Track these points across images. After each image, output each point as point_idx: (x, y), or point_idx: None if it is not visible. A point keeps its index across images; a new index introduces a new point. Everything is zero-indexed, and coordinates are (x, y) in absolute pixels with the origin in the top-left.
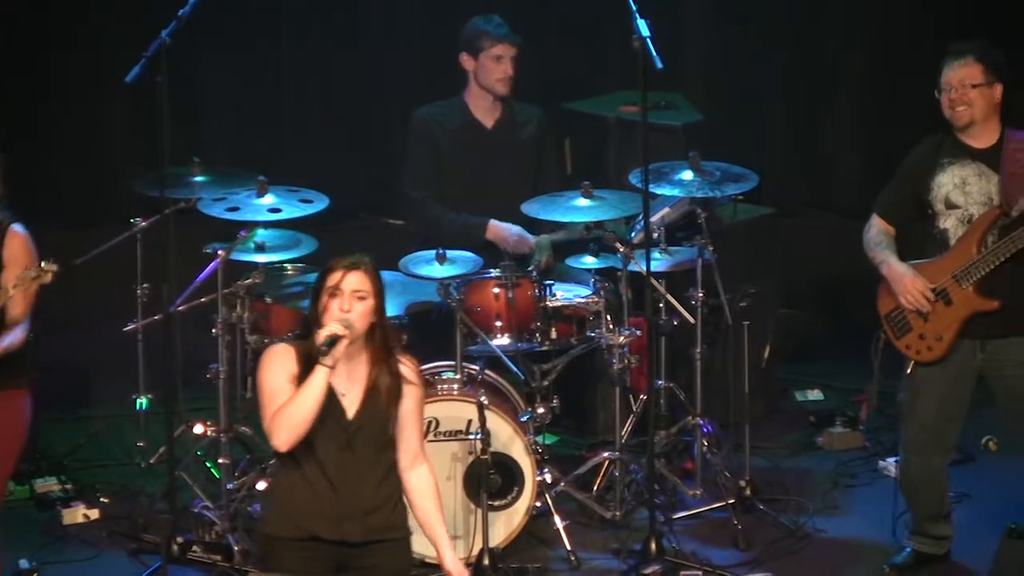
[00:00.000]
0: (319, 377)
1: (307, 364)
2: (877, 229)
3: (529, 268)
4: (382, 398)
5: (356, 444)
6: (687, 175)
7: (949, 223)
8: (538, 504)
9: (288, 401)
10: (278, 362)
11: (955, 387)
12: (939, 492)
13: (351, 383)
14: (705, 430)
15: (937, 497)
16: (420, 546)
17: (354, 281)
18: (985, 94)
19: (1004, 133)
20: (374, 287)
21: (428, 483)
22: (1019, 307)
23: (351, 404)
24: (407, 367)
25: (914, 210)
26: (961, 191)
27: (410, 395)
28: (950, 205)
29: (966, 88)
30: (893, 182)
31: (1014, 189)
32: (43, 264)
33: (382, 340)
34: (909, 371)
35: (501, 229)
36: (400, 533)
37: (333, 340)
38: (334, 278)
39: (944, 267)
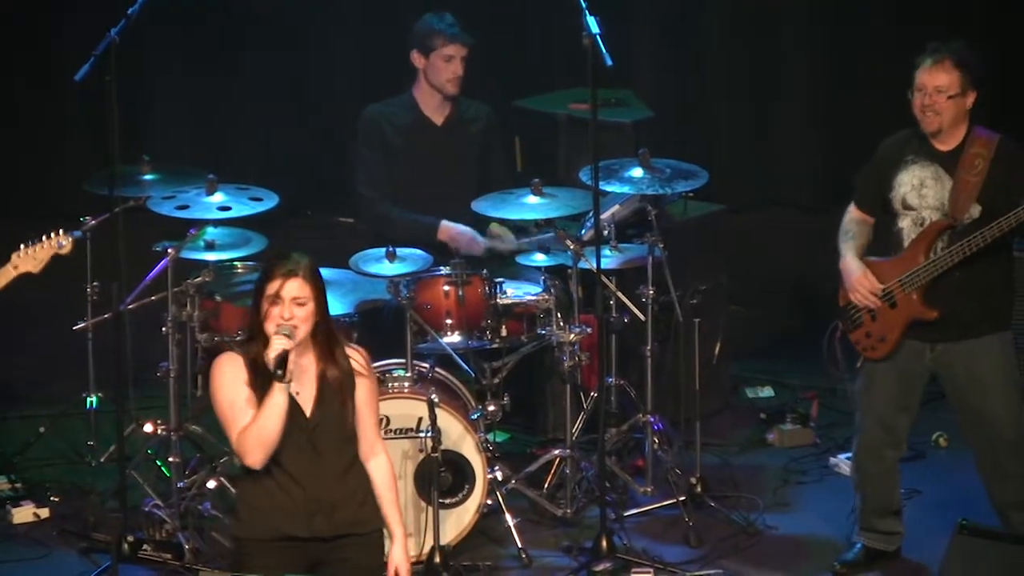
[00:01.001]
0: (279, 396)
1: (256, 368)
2: (850, 218)
3: (481, 264)
4: (335, 392)
5: (317, 440)
6: (637, 172)
7: (905, 224)
8: (489, 502)
9: (252, 422)
10: (229, 373)
11: (907, 381)
12: (889, 486)
13: (302, 381)
14: (656, 427)
15: (887, 491)
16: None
17: (293, 288)
18: (958, 103)
19: (969, 134)
20: (313, 291)
21: (385, 474)
22: (966, 313)
23: (306, 402)
24: (356, 358)
25: (881, 203)
26: (917, 193)
27: (362, 386)
28: (906, 206)
29: (940, 96)
30: (867, 168)
31: (964, 197)
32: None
33: (327, 336)
34: (860, 364)
35: (453, 230)
36: (370, 527)
37: (283, 357)
38: (273, 287)
39: (894, 269)
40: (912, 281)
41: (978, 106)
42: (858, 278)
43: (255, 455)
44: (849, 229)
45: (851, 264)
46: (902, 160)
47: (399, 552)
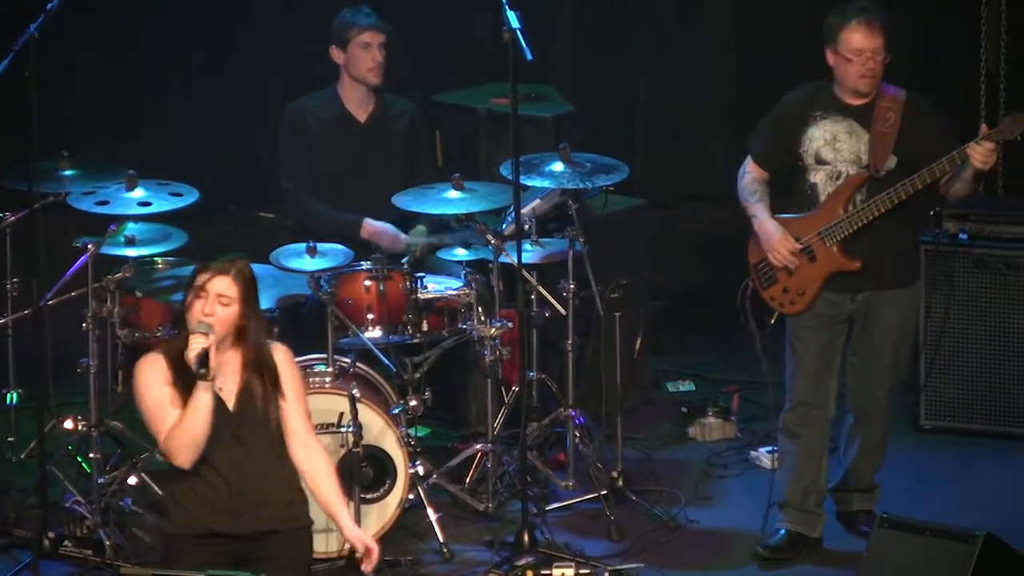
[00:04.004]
0: (203, 395)
1: (179, 364)
2: (751, 176)
3: (405, 258)
4: (259, 387)
5: (243, 435)
6: (558, 167)
7: (819, 178)
8: (410, 497)
9: (178, 423)
10: (152, 374)
11: (831, 335)
12: (816, 456)
13: (225, 374)
14: (577, 421)
15: (814, 461)
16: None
17: (220, 285)
18: (884, 62)
19: (878, 89)
20: (241, 294)
21: (320, 462)
22: (885, 265)
23: (229, 396)
24: (280, 355)
25: (787, 158)
26: (831, 147)
27: (288, 383)
28: (820, 161)
29: (877, 58)
30: (768, 126)
31: (882, 149)
32: None
33: (253, 337)
34: (772, 321)
35: (376, 228)
36: (297, 524)
37: (203, 356)
38: (202, 278)
39: (811, 224)
40: (832, 234)
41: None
42: (778, 239)
43: (183, 456)
44: (755, 189)
45: (768, 225)
46: (810, 115)
47: (353, 526)
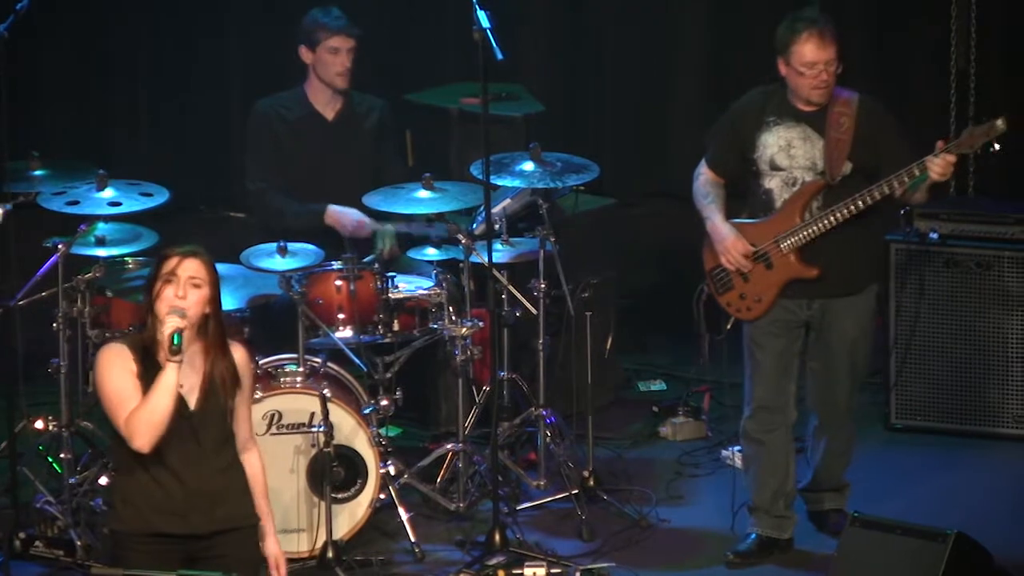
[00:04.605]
0: (170, 374)
1: (144, 358)
2: (705, 179)
3: (371, 257)
4: (220, 387)
5: (200, 435)
6: (528, 166)
7: (774, 184)
8: (382, 496)
9: (142, 403)
10: (117, 363)
11: (789, 341)
12: (782, 460)
13: (187, 374)
14: (548, 421)
15: (780, 465)
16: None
17: (190, 268)
18: (837, 72)
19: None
20: (209, 276)
21: (257, 470)
22: (844, 272)
23: (190, 395)
24: (237, 353)
25: (741, 163)
26: (786, 153)
27: (243, 382)
28: (775, 167)
29: (830, 68)
30: (721, 130)
31: (837, 155)
32: None
33: (216, 330)
34: (728, 327)
35: (339, 214)
36: (248, 521)
37: (179, 335)
38: (170, 264)
39: (767, 230)
40: (789, 241)
41: None
42: (732, 242)
43: (144, 438)
44: (708, 192)
45: (721, 228)
46: (763, 121)
47: (274, 545)
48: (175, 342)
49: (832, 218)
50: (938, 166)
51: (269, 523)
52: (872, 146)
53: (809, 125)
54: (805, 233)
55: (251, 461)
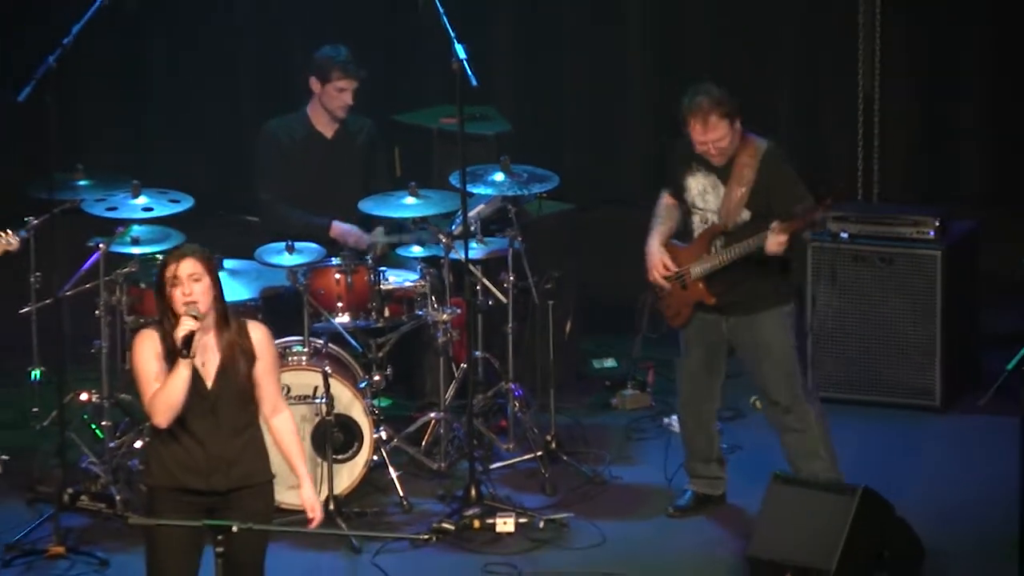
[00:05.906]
0: (183, 370)
1: (167, 344)
2: (663, 203)
3: (367, 256)
4: (236, 364)
5: (218, 409)
6: (499, 177)
7: (695, 220)
8: (375, 458)
9: (161, 388)
10: (146, 346)
11: (711, 347)
12: (709, 436)
13: (206, 354)
14: (516, 393)
15: (708, 441)
16: (283, 495)
17: (187, 267)
18: (733, 136)
19: (740, 144)
20: (206, 267)
21: (289, 428)
22: (749, 295)
23: (208, 374)
24: (257, 332)
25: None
26: (702, 198)
27: (263, 356)
28: (694, 206)
29: (721, 144)
30: (669, 163)
31: (733, 207)
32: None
33: (222, 312)
34: (666, 329)
35: (343, 229)
36: (262, 478)
37: (190, 337)
38: (170, 270)
39: (686, 256)
40: (696, 270)
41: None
42: (654, 261)
43: (162, 416)
44: (659, 214)
45: (651, 247)
46: (689, 166)
47: (309, 492)
48: (185, 346)
49: (726, 256)
50: (772, 243)
51: (304, 475)
52: (768, 197)
53: (719, 176)
54: (708, 265)
55: (283, 421)
